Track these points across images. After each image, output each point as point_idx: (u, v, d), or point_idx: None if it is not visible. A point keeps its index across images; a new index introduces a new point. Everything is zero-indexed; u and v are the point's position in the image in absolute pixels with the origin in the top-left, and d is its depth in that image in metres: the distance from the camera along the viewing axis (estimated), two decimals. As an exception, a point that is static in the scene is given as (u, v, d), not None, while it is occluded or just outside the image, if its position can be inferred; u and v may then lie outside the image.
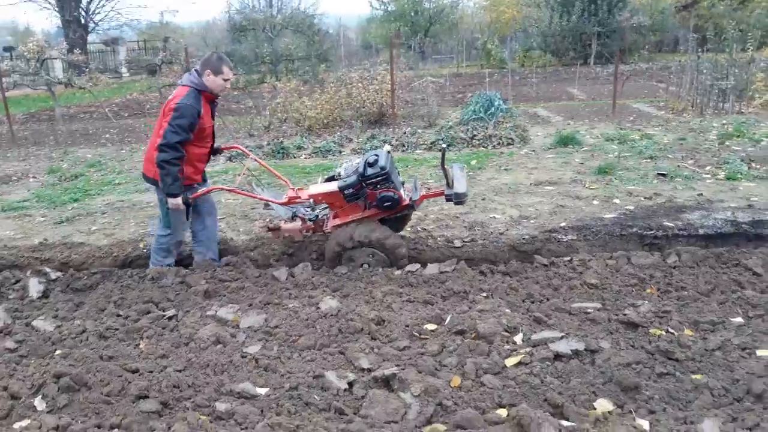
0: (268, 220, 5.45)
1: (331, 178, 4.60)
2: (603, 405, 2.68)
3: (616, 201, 5.55)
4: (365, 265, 4.35)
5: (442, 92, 16.51)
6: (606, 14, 21.10)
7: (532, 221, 5.19)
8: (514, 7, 27.04)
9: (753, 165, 6.64)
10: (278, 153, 8.89)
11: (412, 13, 34.65)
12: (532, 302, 3.73)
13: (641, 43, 22.11)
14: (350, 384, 2.93)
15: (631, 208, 5.32)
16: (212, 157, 4.80)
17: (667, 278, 3.82)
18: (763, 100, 10.98)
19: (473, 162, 7.63)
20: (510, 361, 3.04)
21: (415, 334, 3.40)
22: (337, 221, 4.50)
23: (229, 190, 4.82)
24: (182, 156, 4.22)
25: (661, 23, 22.09)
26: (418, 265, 4.36)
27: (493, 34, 25.22)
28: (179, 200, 4.28)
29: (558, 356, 3.02)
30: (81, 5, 26.00)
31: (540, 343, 3.15)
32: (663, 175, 6.31)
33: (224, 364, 3.20)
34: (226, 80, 4.31)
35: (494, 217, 5.35)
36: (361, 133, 10.21)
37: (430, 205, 5.64)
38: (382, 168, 4.19)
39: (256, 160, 5.06)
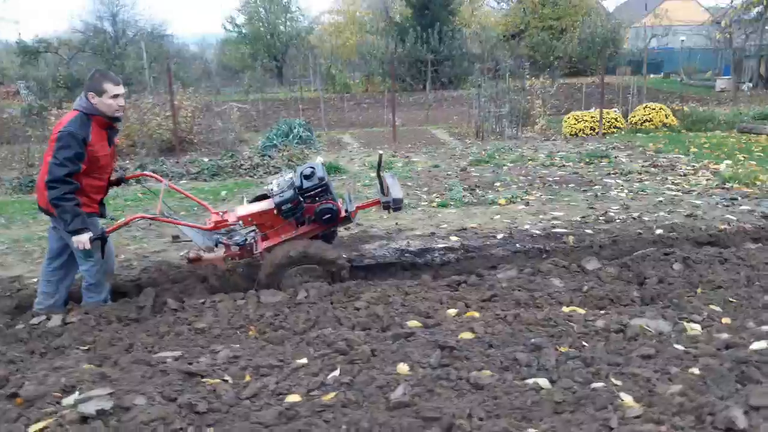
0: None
1: (259, 198, 4.36)
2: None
3: (314, 233, 5.55)
4: (307, 283, 4.07)
5: (268, 117, 16.37)
6: (437, 43, 22.12)
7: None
8: (357, 34, 27.69)
9: (477, 191, 7.00)
10: (25, 187, 8.20)
11: (268, 36, 34.57)
12: (129, 352, 3.51)
13: (472, 70, 23.39)
14: None
15: (321, 240, 5.33)
16: (117, 188, 4.23)
17: (278, 317, 3.75)
18: (539, 125, 11.87)
19: (223, 193, 7.44)
20: (34, 428, 2.78)
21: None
22: (268, 243, 4.21)
23: (152, 218, 4.33)
24: (75, 188, 3.70)
25: (490, 51, 23.52)
26: (43, 317, 4.02)
27: (337, 60, 25.63)
28: (84, 237, 3.69)
29: (84, 418, 2.81)
30: None
31: (81, 403, 2.93)
32: (383, 203, 6.45)
33: None
34: (115, 97, 3.73)
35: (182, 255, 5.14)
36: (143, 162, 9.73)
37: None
38: (321, 179, 4.09)
39: (171, 186, 4.62)
